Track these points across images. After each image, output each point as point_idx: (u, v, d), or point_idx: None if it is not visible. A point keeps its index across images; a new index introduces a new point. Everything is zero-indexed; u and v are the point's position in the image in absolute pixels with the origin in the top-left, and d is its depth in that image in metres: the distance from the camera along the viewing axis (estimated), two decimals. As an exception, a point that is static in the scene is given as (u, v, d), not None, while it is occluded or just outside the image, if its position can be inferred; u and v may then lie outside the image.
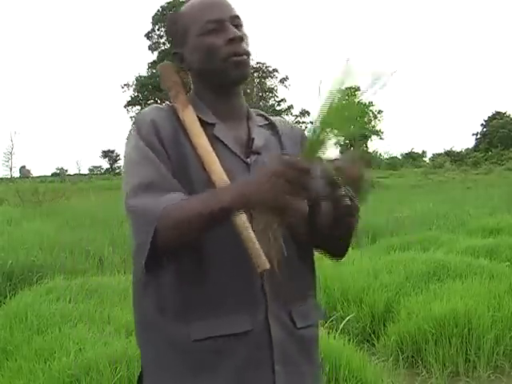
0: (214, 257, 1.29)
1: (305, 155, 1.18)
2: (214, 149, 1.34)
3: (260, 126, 1.47)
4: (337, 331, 4.03)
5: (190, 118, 1.37)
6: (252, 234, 1.21)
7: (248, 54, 1.40)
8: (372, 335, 4.67)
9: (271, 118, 1.53)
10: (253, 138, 1.41)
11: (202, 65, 1.40)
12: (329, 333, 3.81)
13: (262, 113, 1.53)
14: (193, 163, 1.33)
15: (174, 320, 1.30)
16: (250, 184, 1.18)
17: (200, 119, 1.38)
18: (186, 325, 1.28)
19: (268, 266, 1.21)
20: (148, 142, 1.32)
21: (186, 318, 1.29)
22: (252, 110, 1.51)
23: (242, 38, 1.39)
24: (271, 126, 1.49)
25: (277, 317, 1.33)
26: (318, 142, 1.18)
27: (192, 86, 1.46)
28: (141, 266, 1.24)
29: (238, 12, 1.43)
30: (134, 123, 1.38)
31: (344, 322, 4.31)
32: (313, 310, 1.44)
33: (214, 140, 1.36)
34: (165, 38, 49.90)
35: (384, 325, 4.71)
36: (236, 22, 1.41)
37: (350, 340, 3.90)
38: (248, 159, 1.39)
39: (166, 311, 1.31)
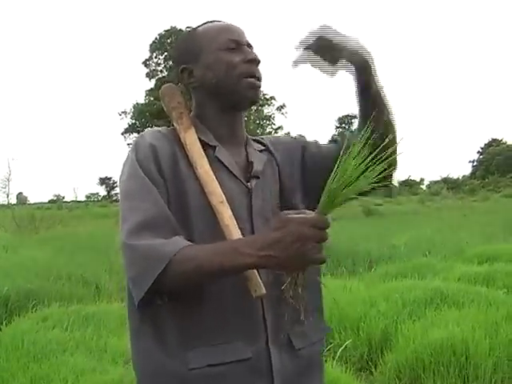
0: (213, 285, 1.27)
1: (322, 209, 1.19)
2: (214, 171, 1.33)
3: (258, 151, 1.47)
4: (334, 359, 4.01)
5: (191, 139, 1.36)
6: None
7: (261, 79, 1.42)
8: (370, 363, 4.64)
9: (265, 139, 1.54)
10: (252, 162, 1.41)
11: (216, 80, 1.39)
12: (326, 361, 3.80)
13: (258, 138, 1.54)
14: (191, 187, 1.31)
15: (172, 349, 1.27)
16: (275, 245, 1.15)
17: (201, 141, 1.37)
18: (183, 354, 1.26)
19: (264, 291, 1.22)
20: (145, 169, 1.30)
21: (183, 347, 1.26)
22: (250, 136, 1.52)
23: (259, 62, 1.42)
24: (267, 151, 1.50)
25: (276, 342, 1.32)
26: (336, 198, 1.18)
27: (194, 107, 1.45)
28: (137, 300, 1.23)
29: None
30: (133, 145, 1.35)
31: (341, 349, 4.29)
32: (313, 328, 1.41)
33: (215, 162, 1.36)
34: (162, 66, 50.29)
35: (382, 352, 4.68)
36: (251, 49, 1.44)
37: (347, 368, 3.88)
38: (248, 183, 1.39)
39: (163, 341, 1.28)
